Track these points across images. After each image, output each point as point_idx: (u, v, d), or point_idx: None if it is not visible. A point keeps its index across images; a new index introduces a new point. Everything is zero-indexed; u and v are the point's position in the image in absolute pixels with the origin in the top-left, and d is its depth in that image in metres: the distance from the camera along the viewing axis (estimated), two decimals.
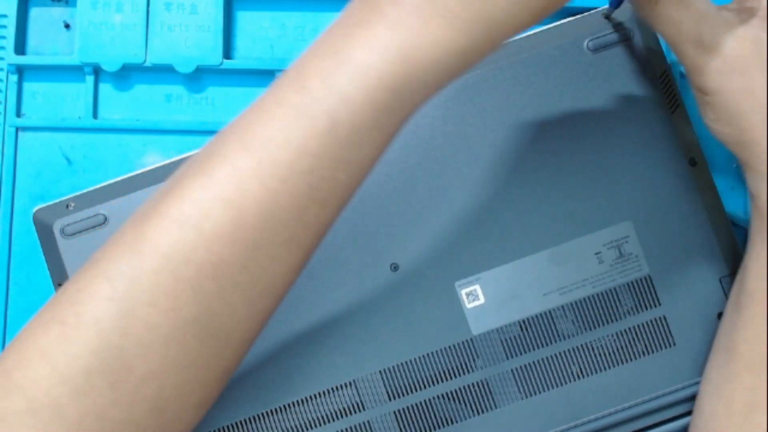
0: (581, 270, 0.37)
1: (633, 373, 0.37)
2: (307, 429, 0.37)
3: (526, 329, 0.37)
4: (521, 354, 0.37)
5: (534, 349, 0.37)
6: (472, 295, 0.37)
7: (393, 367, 0.37)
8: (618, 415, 0.37)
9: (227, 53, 0.43)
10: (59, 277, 0.38)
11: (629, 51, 0.38)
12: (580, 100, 0.38)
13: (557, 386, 0.37)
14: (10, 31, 0.43)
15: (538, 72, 0.38)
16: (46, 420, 0.25)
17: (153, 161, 0.43)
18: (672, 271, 0.38)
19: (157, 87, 0.44)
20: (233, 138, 0.27)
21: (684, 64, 0.32)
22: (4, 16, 0.43)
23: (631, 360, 0.37)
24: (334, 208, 0.28)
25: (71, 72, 0.43)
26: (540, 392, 0.37)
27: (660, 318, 0.38)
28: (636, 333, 0.38)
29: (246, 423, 0.37)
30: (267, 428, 0.37)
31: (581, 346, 0.37)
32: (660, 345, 0.38)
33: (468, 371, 0.37)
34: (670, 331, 0.38)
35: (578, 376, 0.37)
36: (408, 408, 0.37)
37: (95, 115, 0.43)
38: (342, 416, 0.37)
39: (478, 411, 0.37)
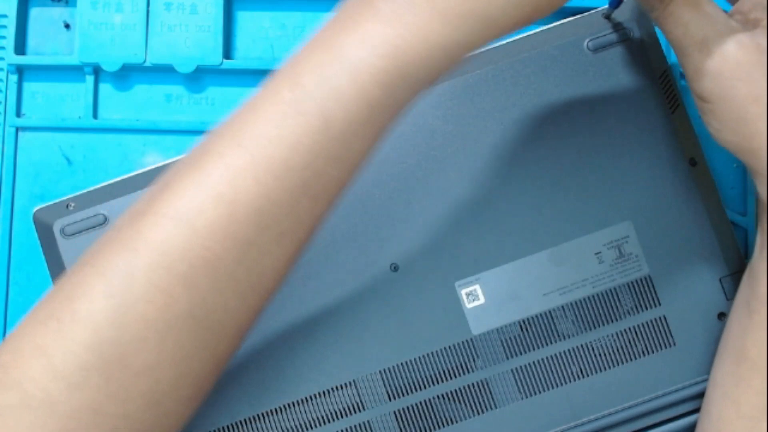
0: (581, 270, 0.37)
1: (633, 373, 0.37)
2: (307, 429, 0.37)
3: (526, 329, 0.37)
4: (521, 354, 0.37)
5: (534, 349, 0.37)
6: (472, 295, 0.37)
7: (393, 367, 0.37)
8: (618, 415, 0.37)
9: (227, 53, 0.43)
10: (59, 277, 0.38)
11: (629, 51, 0.38)
12: (580, 100, 0.38)
13: (557, 386, 0.37)
14: (10, 31, 0.43)
15: (538, 72, 0.38)
16: (41, 415, 0.25)
17: (153, 161, 0.43)
18: (672, 271, 0.38)
19: (157, 87, 0.44)
20: (227, 135, 0.27)
21: (686, 69, 0.32)
22: (4, 16, 0.43)
23: (631, 360, 0.37)
24: (326, 203, 0.28)
25: (71, 72, 0.43)
26: (540, 392, 0.37)
27: (660, 318, 0.38)
28: (636, 333, 0.38)
29: (246, 423, 0.37)
30: (267, 428, 0.37)
31: (581, 346, 0.37)
32: (660, 345, 0.38)
33: (468, 371, 0.37)
34: (670, 331, 0.38)
35: (578, 376, 0.37)
36: (408, 408, 0.37)
37: (95, 115, 0.43)
38: (342, 416, 0.37)
39: (478, 411, 0.37)
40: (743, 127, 0.31)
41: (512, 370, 0.37)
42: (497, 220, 0.38)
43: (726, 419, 0.34)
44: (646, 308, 0.38)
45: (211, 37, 0.43)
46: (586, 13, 0.39)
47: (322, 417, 0.37)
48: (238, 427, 0.37)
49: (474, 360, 0.37)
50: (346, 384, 0.37)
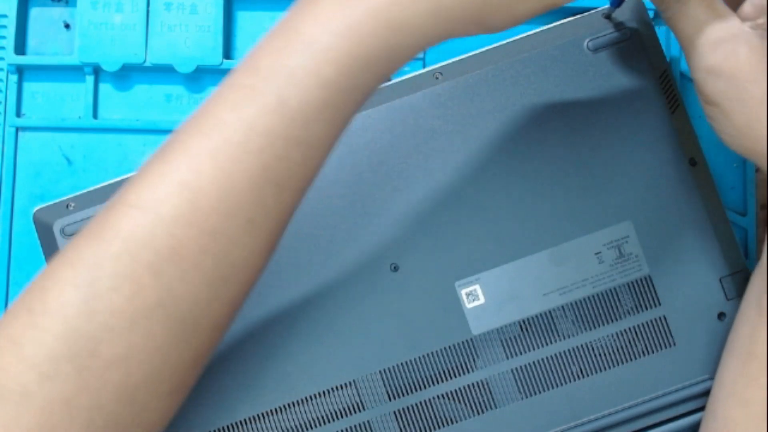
0: (581, 270, 0.37)
1: (633, 373, 0.37)
2: (307, 429, 0.37)
3: (526, 329, 0.37)
4: (521, 354, 0.37)
5: (534, 349, 0.37)
6: (472, 295, 0.37)
7: (393, 367, 0.37)
8: (618, 415, 0.37)
9: (227, 53, 0.43)
10: None
11: (629, 51, 0.38)
12: (580, 100, 0.38)
13: (557, 386, 0.37)
14: (10, 31, 0.43)
15: (538, 72, 0.38)
16: (15, 406, 0.26)
17: None
18: (672, 271, 0.38)
19: (157, 87, 0.44)
20: (190, 124, 0.27)
21: (696, 70, 0.32)
22: (4, 16, 0.43)
23: (631, 360, 0.37)
24: (292, 191, 0.28)
25: (71, 72, 0.43)
26: (540, 392, 0.37)
27: (660, 318, 0.38)
28: (636, 333, 0.38)
29: (246, 423, 0.37)
30: (267, 428, 0.37)
31: (581, 346, 0.37)
32: (660, 345, 0.38)
33: (468, 371, 0.37)
34: (670, 331, 0.38)
35: (578, 376, 0.37)
36: (408, 408, 0.37)
37: (95, 115, 0.43)
38: (342, 416, 0.37)
39: (478, 411, 0.37)
40: (756, 129, 0.31)
41: (512, 370, 0.37)
42: (497, 219, 0.38)
43: (733, 419, 0.34)
44: (646, 308, 0.38)
45: (211, 37, 0.43)
46: (586, 13, 0.39)
47: (322, 417, 0.37)
48: (238, 427, 0.37)
49: (474, 360, 0.37)
50: (346, 384, 0.37)
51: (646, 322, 0.38)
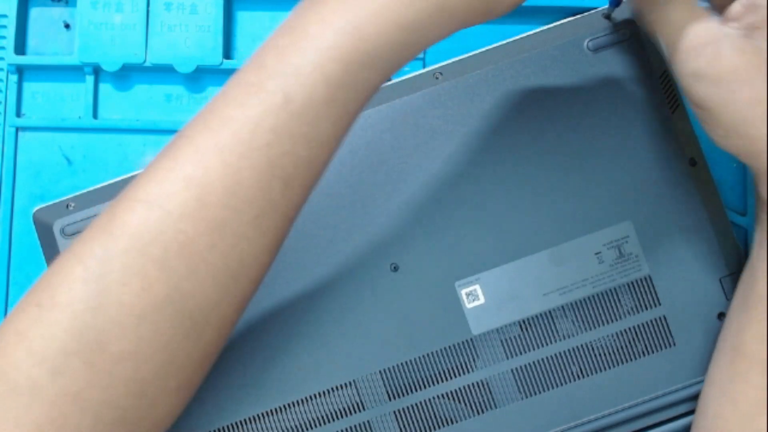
0: (581, 270, 0.37)
1: (633, 373, 0.37)
2: (307, 429, 0.37)
3: (526, 329, 0.37)
4: (521, 354, 0.37)
5: (534, 349, 0.37)
6: (472, 295, 0.37)
7: (393, 367, 0.37)
8: (618, 415, 0.37)
9: (227, 53, 0.43)
10: None
11: (629, 51, 0.38)
12: (580, 100, 0.38)
13: (557, 386, 0.37)
14: (10, 31, 0.43)
15: (538, 72, 0.38)
16: (25, 401, 0.26)
17: None
18: (672, 271, 0.38)
19: (157, 87, 0.44)
20: (197, 121, 0.28)
21: (682, 76, 0.31)
22: (4, 16, 0.43)
23: (631, 360, 0.37)
24: (299, 187, 0.28)
25: (71, 72, 0.43)
26: (540, 392, 0.37)
27: (660, 318, 0.38)
28: (636, 333, 0.38)
29: (246, 423, 0.37)
30: (267, 428, 0.37)
31: (581, 346, 0.37)
32: (660, 345, 0.38)
33: (468, 371, 0.37)
34: (670, 331, 0.38)
35: (578, 376, 0.37)
36: (408, 408, 0.37)
37: (95, 115, 0.43)
38: (342, 416, 0.37)
39: (478, 411, 0.37)
40: (746, 130, 0.31)
41: (512, 370, 0.37)
42: (497, 220, 0.38)
43: (723, 416, 0.34)
44: (646, 308, 0.38)
45: (211, 37, 0.43)
46: (586, 13, 0.39)
47: (322, 417, 0.37)
48: (238, 427, 0.37)
49: (474, 360, 0.37)
50: (346, 384, 0.37)
51: (646, 322, 0.38)
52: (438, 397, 0.37)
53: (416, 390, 0.37)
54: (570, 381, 0.37)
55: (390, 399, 0.37)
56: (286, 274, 0.37)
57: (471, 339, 0.37)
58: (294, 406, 0.37)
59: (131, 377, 0.27)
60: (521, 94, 0.38)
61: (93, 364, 0.26)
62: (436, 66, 0.38)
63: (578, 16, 0.39)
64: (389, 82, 0.38)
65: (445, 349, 0.37)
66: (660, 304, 0.38)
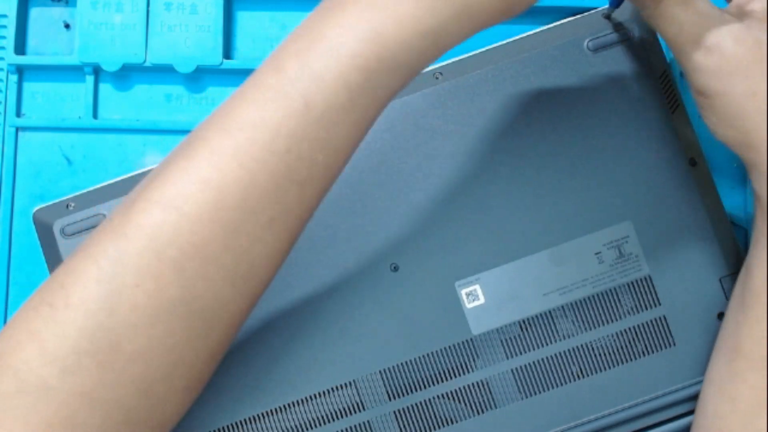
0: (581, 270, 0.37)
1: (633, 373, 0.37)
2: (307, 429, 0.37)
3: (526, 329, 0.37)
4: (521, 354, 0.37)
5: (534, 349, 0.37)
6: (472, 295, 0.37)
7: (393, 367, 0.37)
8: (618, 415, 0.37)
9: (227, 53, 0.43)
10: None
11: (629, 51, 0.38)
12: (580, 100, 0.38)
13: (557, 386, 0.37)
14: (10, 31, 0.43)
15: (538, 72, 0.38)
16: (35, 399, 0.26)
17: (153, 161, 0.43)
18: (672, 271, 0.38)
19: (157, 87, 0.44)
20: (213, 122, 0.28)
21: (684, 66, 0.32)
22: (4, 16, 0.43)
23: (631, 360, 0.37)
24: (314, 190, 0.28)
25: (71, 72, 0.43)
26: (540, 392, 0.37)
27: (660, 318, 0.38)
28: (636, 333, 0.38)
29: (246, 423, 0.37)
30: (267, 428, 0.37)
31: (581, 346, 0.37)
32: (660, 345, 0.38)
33: (468, 371, 0.37)
34: (670, 331, 0.38)
35: (578, 376, 0.37)
36: (408, 408, 0.37)
37: (95, 115, 0.43)
38: (342, 416, 0.37)
39: (478, 411, 0.37)
40: (741, 122, 0.31)
41: (512, 370, 0.37)
42: (497, 220, 0.38)
43: (721, 415, 0.34)
44: (646, 308, 0.38)
45: (211, 37, 0.43)
46: (586, 13, 0.39)
47: (322, 417, 0.37)
48: (238, 427, 0.37)
49: (474, 360, 0.37)
50: (346, 384, 0.37)
51: (646, 322, 0.38)
52: (438, 397, 0.37)
53: (416, 390, 0.37)
54: (570, 381, 0.37)
55: (390, 399, 0.37)
56: (287, 274, 0.37)
57: (471, 339, 0.37)
58: (294, 406, 0.37)
59: (141, 377, 0.27)
60: (521, 94, 0.38)
61: (104, 363, 0.26)
62: (436, 66, 0.38)
63: (578, 16, 0.39)
64: None
65: (445, 349, 0.37)
66: (660, 304, 0.38)
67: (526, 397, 0.37)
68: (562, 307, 0.37)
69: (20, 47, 0.44)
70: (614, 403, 0.37)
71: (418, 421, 0.37)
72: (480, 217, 0.38)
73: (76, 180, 0.43)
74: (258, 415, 0.37)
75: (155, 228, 0.26)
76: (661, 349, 0.38)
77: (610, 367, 0.37)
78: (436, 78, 0.38)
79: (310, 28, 0.27)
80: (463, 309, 0.37)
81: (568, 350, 0.37)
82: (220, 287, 0.27)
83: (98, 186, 0.38)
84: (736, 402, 0.33)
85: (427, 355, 0.37)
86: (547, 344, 0.37)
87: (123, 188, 0.38)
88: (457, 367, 0.37)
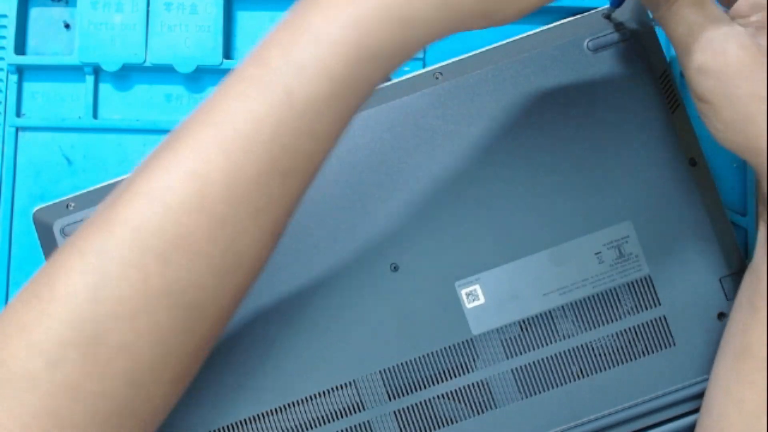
0: (581, 270, 0.37)
1: (633, 373, 0.37)
2: (307, 429, 0.37)
3: (526, 329, 0.37)
4: (521, 354, 0.37)
5: (534, 349, 0.37)
6: (472, 295, 0.37)
7: (393, 367, 0.37)
8: (618, 415, 0.37)
9: (227, 53, 0.43)
10: None
11: (629, 51, 0.38)
12: (580, 100, 0.38)
13: (557, 386, 0.37)
14: (10, 31, 0.43)
15: (538, 72, 0.38)
16: (21, 391, 0.26)
17: None
18: (672, 271, 0.38)
19: (157, 87, 0.44)
20: (198, 114, 0.28)
21: (688, 68, 0.32)
22: (4, 16, 0.43)
23: (631, 360, 0.37)
24: (298, 180, 0.28)
25: (71, 72, 0.43)
26: (540, 392, 0.37)
27: (660, 318, 0.38)
28: (636, 333, 0.38)
29: (246, 423, 0.37)
30: (267, 428, 0.37)
31: (581, 346, 0.37)
32: (660, 345, 0.38)
33: (468, 371, 0.37)
34: (670, 331, 0.38)
35: (578, 376, 0.37)
36: (408, 408, 0.37)
37: (95, 115, 0.43)
38: (342, 416, 0.37)
39: (478, 411, 0.37)
40: (746, 126, 0.31)
41: (512, 370, 0.37)
42: (497, 220, 0.38)
43: (727, 417, 0.34)
44: (646, 308, 0.38)
45: (211, 37, 0.43)
46: (586, 13, 0.39)
47: (322, 417, 0.37)
48: (238, 427, 0.37)
49: (474, 360, 0.37)
50: (346, 384, 0.37)
51: (646, 322, 0.38)
52: (438, 397, 0.37)
53: (416, 390, 0.37)
54: (570, 381, 0.37)
55: (390, 399, 0.37)
56: (287, 274, 0.37)
57: (471, 339, 0.37)
58: (294, 406, 0.37)
59: (127, 369, 0.27)
60: (521, 94, 0.38)
61: (90, 355, 0.26)
62: (436, 66, 0.38)
63: (578, 16, 0.39)
64: (389, 83, 0.38)
65: (445, 349, 0.37)
66: (660, 304, 0.38)
67: (526, 397, 0.37)
68: (562, 307, 0.37)
69: (20, 47, 0.44)
70: (614, 403, 0.37)
71: (418, 421, 0.37)
72: (480, 216, 0.38)
73: (76, 180, 0.43)
74: (258, 415, 0.37)
75: (139, 219, 0.26)
76: (661, 349, 0.38)
77: (610, 367, 0.37)
78: (436, 78, 0.38)
79: (294, 20, 0.28)
80: (463, 309, 0.37)
81: (568, 350, 0.37)
82: (205, 279, 0.27)
83: (98, 186, 0.38)
84: (743, 404, 0.33)
85: (427, 355, 0.37)
86: (547, 344, 0.37)
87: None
88: (457, 367, 0.37)
